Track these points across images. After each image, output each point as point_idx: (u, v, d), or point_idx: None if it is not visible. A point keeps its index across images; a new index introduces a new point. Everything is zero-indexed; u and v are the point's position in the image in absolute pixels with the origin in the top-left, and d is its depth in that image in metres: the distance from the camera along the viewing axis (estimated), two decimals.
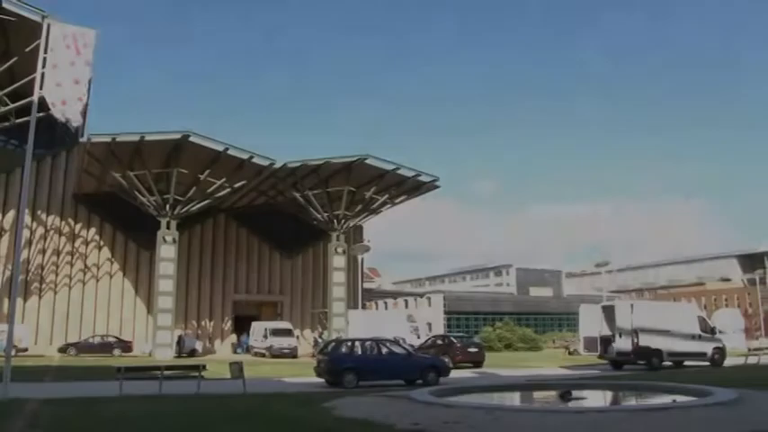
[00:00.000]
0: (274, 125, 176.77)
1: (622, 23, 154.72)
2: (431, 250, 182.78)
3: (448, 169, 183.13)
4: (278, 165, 40.60)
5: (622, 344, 28.37)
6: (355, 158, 41.42)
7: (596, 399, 16.07)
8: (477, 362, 32.84)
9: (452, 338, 35.49)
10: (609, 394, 17.17)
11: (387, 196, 45.08)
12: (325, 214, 44.60)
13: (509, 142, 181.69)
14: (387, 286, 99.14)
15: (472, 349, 33.95)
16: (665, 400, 13.98)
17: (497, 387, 18.53)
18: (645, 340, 28.04)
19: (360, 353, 22.35)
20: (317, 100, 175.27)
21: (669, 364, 28.56)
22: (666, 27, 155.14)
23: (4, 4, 32.18)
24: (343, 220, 44.85)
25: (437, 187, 45.70)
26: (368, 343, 23.32)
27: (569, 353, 45.78)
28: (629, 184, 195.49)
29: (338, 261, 44.86)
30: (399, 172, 43.11)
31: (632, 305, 30.22)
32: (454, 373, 24.24)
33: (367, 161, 41.75)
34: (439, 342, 35.52)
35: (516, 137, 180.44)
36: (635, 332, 28.03)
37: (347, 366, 20.90)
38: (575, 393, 15.03)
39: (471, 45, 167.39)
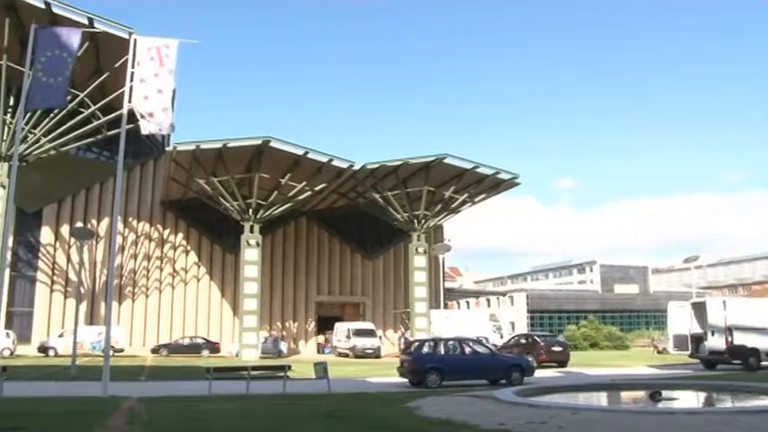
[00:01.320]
0: (353, 126, 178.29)
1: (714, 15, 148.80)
2: (512, 248, 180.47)
3: (528, 166, 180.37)
4: (357, 167, 40.93)
5: (715, 342, 27.26)
6: (434, 158, 41.32)
7: (688, 400, 15.50)
8: (561, 361, 32.18)
9: (536, 337, 34.87)
10: (701, 395, 16.50)
11: (466, 195, 44.75)
12: (405, 215, 44.64)
13: (588, 138, 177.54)
14: (468, 285, 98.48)
15: (557, 348, 33.23)
16: (763, 402, 13.34)
17: (583, 387, 18.11)
18: (740, 339, 26.85)
19: (443, 352, 22.25)
20: (394, 100, 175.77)
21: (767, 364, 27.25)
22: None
23: (96, 24, 33.72)
24: (423, 220, 44.79)
25: (517, 184, 45.08)
26: (450, 342, 23.20)
27: (658, 352, 44.35)
28: (710, 177, 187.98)
29: (419, 261, 44.80)
30: (478, 170, 42.76)
31: (724, 302, 29.01)
32: (538, 373, 23.85)
33: (445, 160, 41.57)
34: (522, 341, 35.02)
35: (595, 132, 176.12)
36: (729, 330, 26.89)
37: (430, 366, 20.85)
38: (665, 394, 14.54)
39: (540, 43, 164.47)
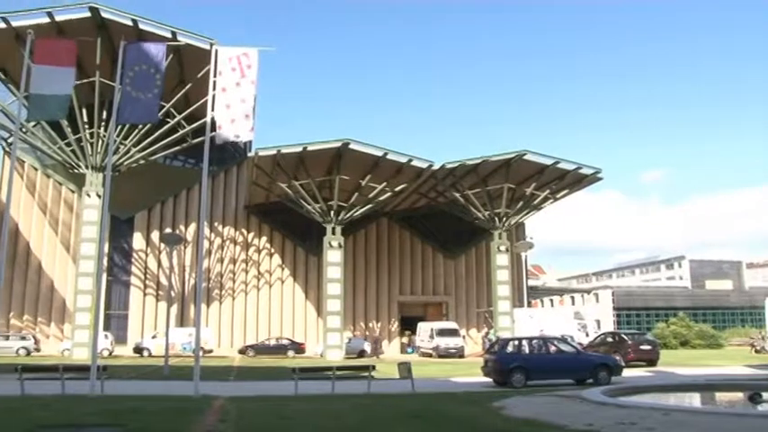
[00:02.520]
0: (431, 125, 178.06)
1: None
2: (597, 244, 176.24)
3: (615, 160, 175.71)
4: (436, 166, 40.89)
5: None
6: (513, 155, 40.84)
7: None
8: (651, 360, 31.14)
9: (623, 335, 33.91)
10: None
11: (548, 191, 44.00)
12: (486, 213, 44.29)
13: (675, 131, 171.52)
14: (552, 283, 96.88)
15: (645, 347, 32.15)
16: None
17: (675, 387, 17.53)
18: None
19: (527, 351, 21.95)
20: (472, 98, 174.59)
21: None
22: None
23: (179, 37, 34.97)
24: (504, 218, 44.33)
25: (600, 179, 44.02)
26: (535, 341, 22.87)
27: (755, 351, 42.43)
28: None
29: (501, 259, 44.36)
30: (559, 166, 41.99)
31: None
32: (626, 373, 23.16)
33: (525, 157, 41.03)
34: (609, 339, 34.14)
35: (685, 123, 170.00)
36: None
37: (515, 365, 20.57)
38: (765, 396, 13.87)
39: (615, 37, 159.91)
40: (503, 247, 44.45)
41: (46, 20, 35.18)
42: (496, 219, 44.31)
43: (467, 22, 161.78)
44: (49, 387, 16.78)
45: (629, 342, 31.96)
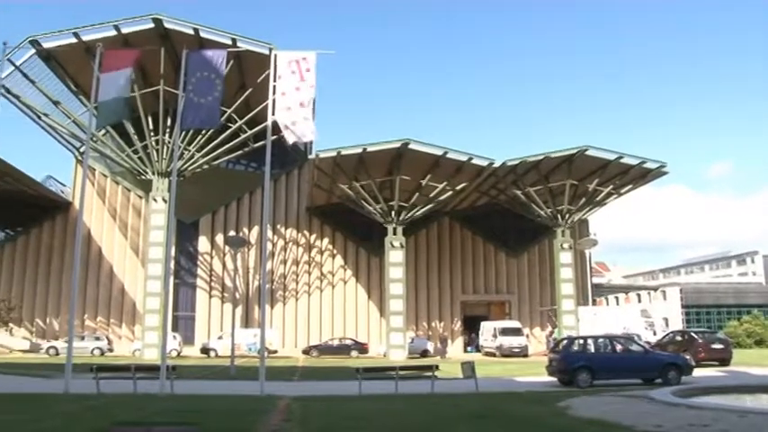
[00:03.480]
0: (489, 123, 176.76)
1: None
2: (663, 240, 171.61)
3: (680, 153, 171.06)
4: (497, 164, 40.56)
5: None
6: (575, 150, 40.20)
7: None
8: (723, 360, 30.06)
9: (693, 334, 32.89)
10: None
11: (611, 187, 43.14)
12: (549, 210, 43.74)
13: (743, 122, 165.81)
14: (617, 280, 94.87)
15: (717, 346, 31.06)
16: None
17: (750, 387, 16.86)
18: None
19: (593, 350, 21.57)
20: (530, 95, 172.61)
21: None
22: None
23: (239, 43, 35.66)
24: (567, 215, 43.69)
25: (665, 173, 42.88)
26: (601, 340, 22.47)
27: None
28: None
29: (565, 257, 43.73)
30: (623, 161, 41.11)
31: None
32: (697, 372, 22.50)
33: (587, 152, 40.32)
34: (678, 338, 33.18)
35: (749, 115, 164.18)
36: None
37: (580, 365, 20.24)
38: None
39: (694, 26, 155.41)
40: (566, 245, 43.81)
41: (113, 33, 36.39)
42: (559, 216, 43.71)
43: (516, 18, 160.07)
44: (121, 386, 17.35)
45: (700, 341, 30.96)
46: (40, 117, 42.06)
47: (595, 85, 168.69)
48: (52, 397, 16.01)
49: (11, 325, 46.49)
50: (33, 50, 38.03)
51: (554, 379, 21.12)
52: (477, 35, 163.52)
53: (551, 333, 46.62)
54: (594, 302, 54.41)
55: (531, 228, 49.75)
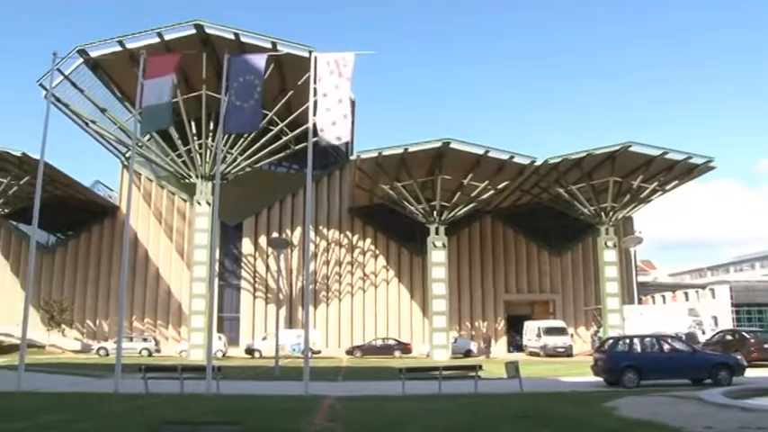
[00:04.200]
0: (531, 120, 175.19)
1: None
2: (711, 237, 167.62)
3: (730, 148, 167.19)
4: (539, 162, 40.20)
5: None
6: (618, 147, 39.61)
7: None
8: None
9: (744, 333, 32.05)
10: None
11: (656, 183, 42.36)
12: (592, 208, 43.19)
13: None
14: (663, 278, 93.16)
15: None
16: None
17: None
18: None
19: (639, 350, 21.21)
20: (567, 90, 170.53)
21: None
22: None
23: (279, 47, 36.02)
24: (611, 213, 43.07)
25: (712, 168, 41.92)
26: (647, 339, 22.08)
27: None
28: None
29: (609, 255, 43.11)
30: (668, 156, 40.32)
31: None
32: (749, 373, 21.94)
33: (631, 149, 39.67)
34: (728, 337, 32.35)
35: None
36: None
37: (626, 364, 19.92)
38: None
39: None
40: (610, 243, 43.19)
41: (156, 39, 37.10)
42: (603, 213, 43.12)
43: (555, 16, 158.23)
44: (169, 386, 17.69)
45: (752, 340, 30.06)
46: (87, 124, 43.15)
47: (640, 82, 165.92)
48: (103, 396, 16.40)
49: (63, 326, 47.75)
50: (81, 60, 39.00)
51: (599, 379, 20.85)
52: (516, 33, 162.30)
53: (596, 332, 46.05)
54: (640, 301, 53.61)
55: (575, 226, 49.24)
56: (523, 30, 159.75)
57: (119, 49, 37.85)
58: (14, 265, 50.10)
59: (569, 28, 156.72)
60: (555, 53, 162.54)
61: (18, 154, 38.95)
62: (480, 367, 19.07)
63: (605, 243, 43.21)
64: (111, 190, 54.88)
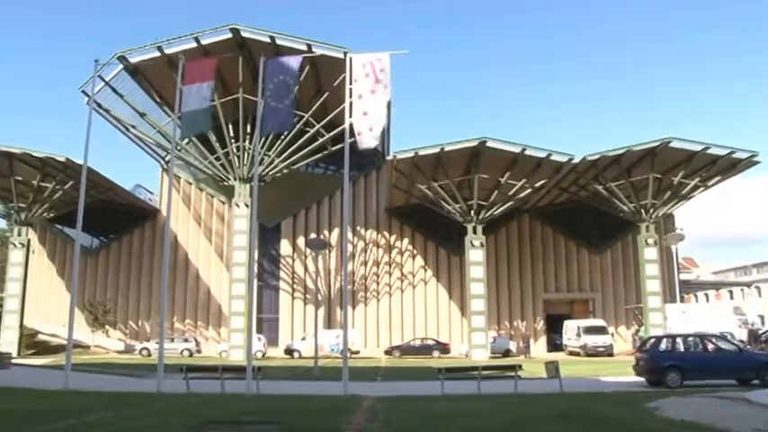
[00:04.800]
0: (568, 117, 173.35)
1: None
2: (756, 234, 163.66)
3: None
4: (577, 159, 39.75)
5: None
6: (658, 143, 38.96)
7: None
8: None
9: None
10: None
11: (698, 179, 41.54)
12: (632, 205, 42.56)
13: None
14: (706, 276, 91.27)
15: None
16: None
17: None
18: None
19: (682, 350, 20.87)
20: (605, 86, 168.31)
21: None
22: None
23: (314, 48, 36.24)
24: (651, 210, 42.39)
25: (757, 163, 40.95)
26: (691, 339, 21.70)
27: None
28: None
29: (650, 253, 42.43)
30: (710, 151, 39.53)
31: None
32: None
33: (671, 144, 38.99)
34: None
35: None
36: None
37: (669, 364, 19.60)
38: None
39: None
40: (651, 240, 42.51)
41: (193, 44, 37.66)
42: (643, 211, 42.46)
43: (587, 12, 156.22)
44: (210, 386, 17.92)
45: None
46: (128, 129, 43.93)
47: (681, 77, 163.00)
48: (146, 396, 16.70)
49: (107, 327, 48.70)
50: (121, 66, 39.74)
51: (641, 379, 20.57)
52: (547, 31, 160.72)
53: (637, 331, 45.40)
54: (683, 300, 52.65)
55: (614, 224, 48.56)
56: (554, 28, 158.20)
57: (157, 54, 38.49)
58: (60, 267, 51.24)
59: (609, 22, 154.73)
60: (586, 50, 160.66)
61: (62, 159, 39.77)
62: (520, 367, 18.97)
63: (646, 241, 42.55)
64: (152, 193, 55.81)
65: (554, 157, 39.47)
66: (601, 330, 43.56)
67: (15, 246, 43.89)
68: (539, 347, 49.43)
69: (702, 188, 42.74)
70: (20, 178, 42.41)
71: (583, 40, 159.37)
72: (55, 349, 44.70)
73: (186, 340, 45.01)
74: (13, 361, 22.21)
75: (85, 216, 20.91)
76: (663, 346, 21.14)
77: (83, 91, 39.29)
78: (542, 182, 41.78)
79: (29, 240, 44.96)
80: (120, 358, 41.00)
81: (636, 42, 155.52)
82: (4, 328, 42.21)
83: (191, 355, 42.84)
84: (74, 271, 20.79)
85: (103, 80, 38.92)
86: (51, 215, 46.38)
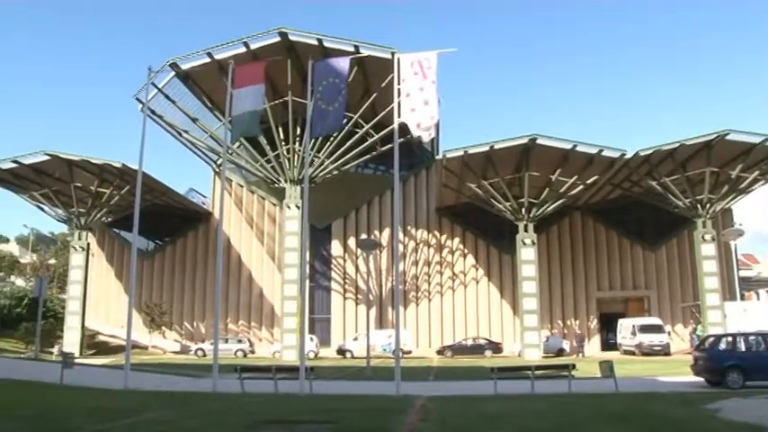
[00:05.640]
0: (619, 112, 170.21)
1: None
2: None
3: None
4: (629, 154, 38.99)
5: None
6: (714, 136, 37.94)
7: None
8: None
9: None
10: None
11: (757, 172, 40.22)
12: (687, 200, 41.52)
13: None
14: None
15: None
16: None
17: None
18: None
19: (744, 349, 20.24)
20: (656, 80, 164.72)
21: None
22: None
23: (361, 50, 36.38)
24: (708, 205, 41.28)
25: None
26: (753, 337, 21.03)
27: None
28: None
29: (707, 249, 41.31)
30: None
31: None
32: None
33: (728, 137, 37.89)
34: None
35: None
36: None
37: (730, 364, 19.03)
38: None
39: None
40: (708, 236, 41.39)
41: (243, 49, 38.27)
42: (699, 206, 41.39)
43: (631, 8, 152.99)
44: (263, 386, 18.16)
45: None
46: (180, 134, 44.79)
47: (738, 69, 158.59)
48: (202, 395, 17.00)
49: (163, 328, 49.74)
50: (173, 73, 40.57)
51: (700, 379, 20.05)
52: (592, 27, 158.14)
53: (694, 330, 44.32)
54: (743, 297, 51.12)
55: (669, 219, 47.52)
56: (601, 23, 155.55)
57: (207, 60, 39.22)
58: (118, 270, 52.56)
59: (654, 17, 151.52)
60: (636, 44, 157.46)
61: (118, 165, 40.77)
62: (574, 366, 18.69)
63: (702, 237, 41.47)
64: (204, 196, 56.78)
65: (606, 153, 38.78)
66: (657, 329, 42.64)
67: (76, 249, 45.24)
68: (592, 347, 48.68)
69: (762, 181, 41.46)
70: (79, 184, 43.68)
71: (634, 34, 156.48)
72: (114, 350, 45.95)
73: (240, 341, 45.65)
74: (75, 361, 22.84)
75: (141, 220, 21.36)
76: (723, 345, 20.55)
77: (137, 98, 40.23)
78: (594, 178, 41.11)
79: (88, 244, 46.31)
80: (176, 359, 41.80)
81: (687, 36, 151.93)
82: (67, 329, 43.56)
83: (244, 355, 43.45)
84: (131, 273, 21.28)
85: (156, 87, 39.80)
86: (109, 219, 47.60)
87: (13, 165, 41.86)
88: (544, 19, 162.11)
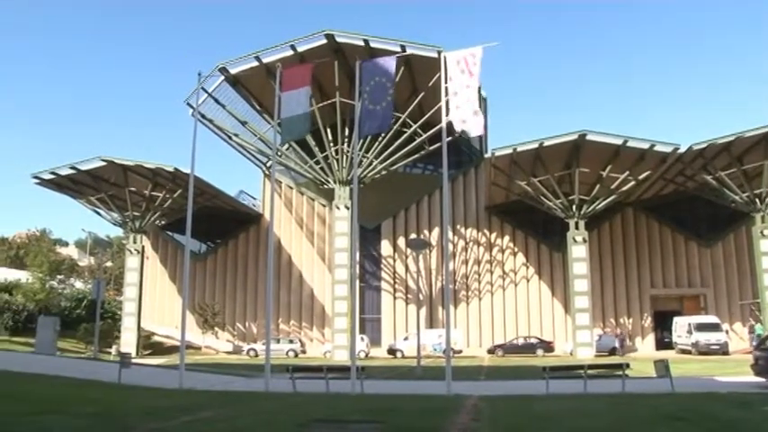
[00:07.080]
0: (671, 104, 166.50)
1: None
2: None
3: None
4: (683, 149, 38.14)
5: None
6: None
7: None
8: None
9: None
10: None
11: None
12: (744, 194, 40.41)
13: None
14: None
15: None
16: None
17: None
18: None
19: None
20: (707, 70, 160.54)
21: None
22: None
23: (408, 49, 36.42)
24: (766, 199, 40.09)
25: None
26: None
27: None
28: None
29: (766, 245, 40.13)
30: None
31: None
32: None
33: None
34: None
35: None
36: None
37: None
38: None
39: None
40: (766, 231, 40.20)
41: (290, 52, 38.67)
42: (757, 200, 40.24)
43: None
44: (315, 385, 18.29)
45: None
46: (230, 137, 45.50)
47: None
48: (255, 395, 17.22)
49: (216, 329, 50.58)
50: (222, 77, 41.26)
51: (761, 380, 19.43)
52: (638, 19, 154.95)
53: (752, 328, 43.10)
54: None
55: (726, 215, 46.30)
56: (647, 16, 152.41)
57: (255, 64, 39.74)
58: (171, 272, 53.66)
59: (702, 11, 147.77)
60: (688, 37, 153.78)
61: (171, 169, 41.65)
62: (628, 366, 18.37)
63: (761, 232, 40.30)
64: (255, 198, 57.54)
65: (658, 148, 38.02)
66: (714, 327, 41.57)
67: (131, 252, 46.38)
68: (646, 345, 47.84)
69: None
70: (133, 189, 44.77)
71: (685, 27, 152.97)
72: (169, 350, 46.94)
73: (291, 341, 46.12)
74: (132, 361, 23.42)
75: (194, 222, 21.74)
76: None
77: (188, 103, 41.02)
78: (646, 174, 40.34)
79: (143, 247, 47.44)
80: (228, 359, 42.45)
81: (743, 28, 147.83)
82: (124, 330, 44.72)
83: (296, 355, 43.88)
84: (184, 275, 21.72)
85: (206, 92, 40.55)
86: (163, 222, 48.69)
87: (71, 171, 43.16)
88: (594, 13, 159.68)
